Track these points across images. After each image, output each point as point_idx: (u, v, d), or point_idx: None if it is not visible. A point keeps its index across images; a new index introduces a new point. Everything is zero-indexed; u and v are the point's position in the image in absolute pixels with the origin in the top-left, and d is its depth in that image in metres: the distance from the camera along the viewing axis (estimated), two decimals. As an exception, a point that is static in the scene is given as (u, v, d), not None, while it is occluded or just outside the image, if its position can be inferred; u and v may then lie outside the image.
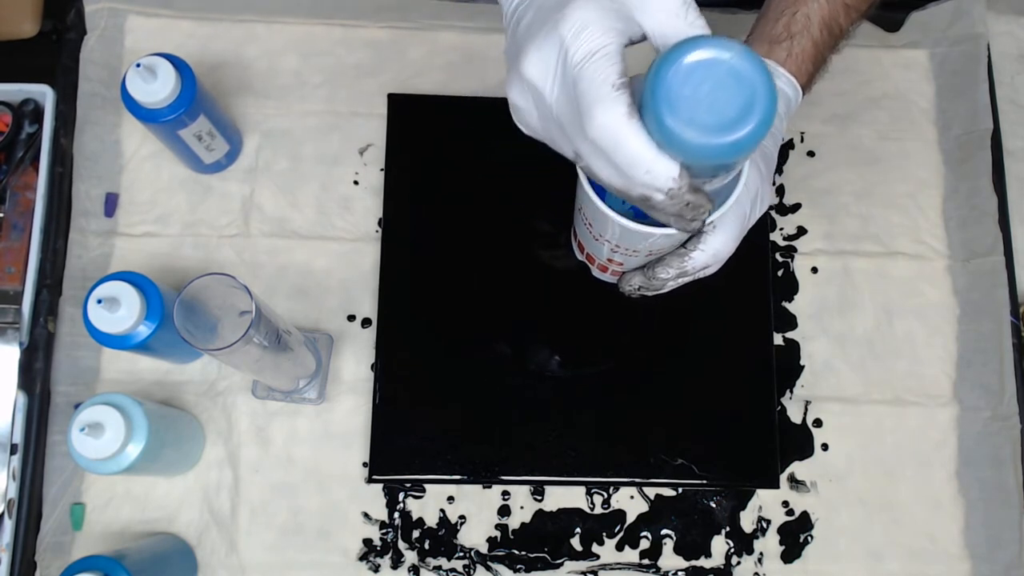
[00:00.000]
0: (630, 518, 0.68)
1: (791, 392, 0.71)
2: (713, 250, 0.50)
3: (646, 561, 0.68)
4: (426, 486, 0.68)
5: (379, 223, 0.73)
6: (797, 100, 0.55)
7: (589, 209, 0.50)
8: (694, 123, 0.38)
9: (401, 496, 0.68)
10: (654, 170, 0.39)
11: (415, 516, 0.68)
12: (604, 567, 0.67)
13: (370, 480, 0.67)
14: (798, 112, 0.76)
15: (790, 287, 0.73)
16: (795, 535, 0.69)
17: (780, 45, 0.54)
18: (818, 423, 0.71)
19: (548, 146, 0.45)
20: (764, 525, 0.69)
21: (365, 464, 0.68)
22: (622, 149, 0.39)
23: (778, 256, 0.74)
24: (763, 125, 0.38)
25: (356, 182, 0.74)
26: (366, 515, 0.68)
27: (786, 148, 0.76)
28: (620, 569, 0.67)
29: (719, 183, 0.44)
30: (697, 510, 0.69)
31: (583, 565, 0.67)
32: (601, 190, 0.47)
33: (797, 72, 0.54)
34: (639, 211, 0.46)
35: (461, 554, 0.67)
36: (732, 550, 0.68)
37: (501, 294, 0.71)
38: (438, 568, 0.67)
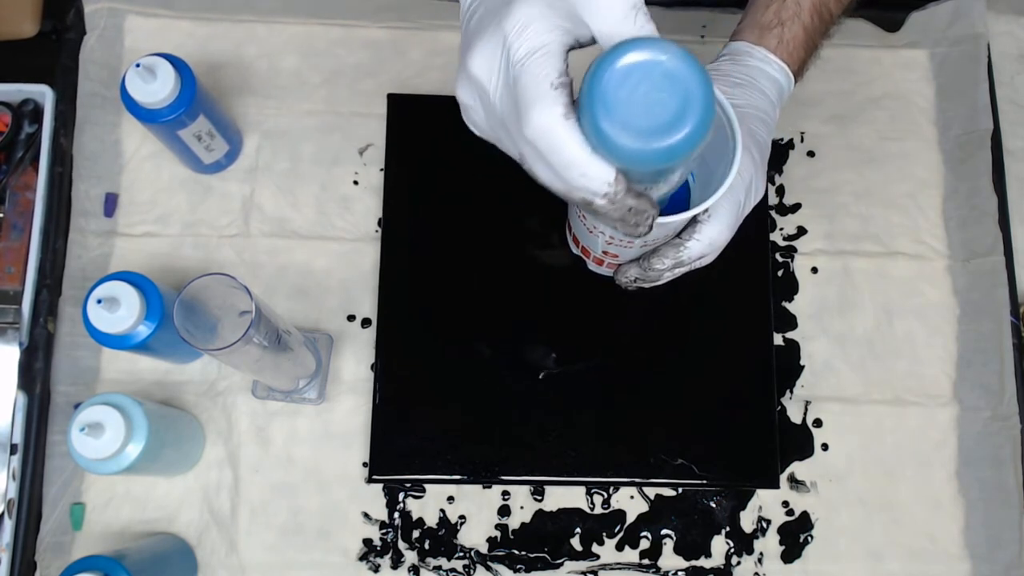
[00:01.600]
0: (630, 518, 0.68)
1: (791, 392, 0.71)
2: (709, 239, 0.50)
3: (646, 561, 0.68)
4: (426, 486, 0.68)
5: (379, 223, 0.73)
6: (789, 88, 0.55)
7: None
8: (628, 127, 0.37)
9: (401, 496, 0.68)
10: (589, 173, 0.39)
11: (415, 516, 0.68)
12: (604, 567, 0.67)
13: (370, 480, 0.67)
14: (798, 112, 0.77)
15: (790, 287, 0.73)
16: (795, 535, 0.69)
17: (770, 32, 0.54)
18: (818, 423, 0.71)
19: (498, 148, 0.45)
20: (764, 525, 0.69)
21: (365, 464, 0.68)
22: (557, 151, 0.39)
23: (778, 256, 0.74)
24: (698, 130, 0.37)
25: (356, 182, 0.74)
26: (366, 515, 0.68)
27: (786, 148, 0.77)
28: (620, 569, 0.67)
29: (667, 187, 0.43)
30: (697, 510, 0.69)
31: (583, 565, 0.67)
32: None
33: (788, 59, 0.53)
34: None
35: (461, 554, 0.67)
36: (732, 550, 0.68)
37: (501, 294, 0.71)
38: (438, 568, 0.67)
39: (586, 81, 0.38)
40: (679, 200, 0.54)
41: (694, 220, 0.50)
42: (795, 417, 0.71)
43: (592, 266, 0.60)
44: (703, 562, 0.68)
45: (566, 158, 0.39)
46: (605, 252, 0.55)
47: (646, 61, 0.37)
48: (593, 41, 0.40)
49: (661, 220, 0.46)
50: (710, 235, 0.50)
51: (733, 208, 0.50)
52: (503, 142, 0.43)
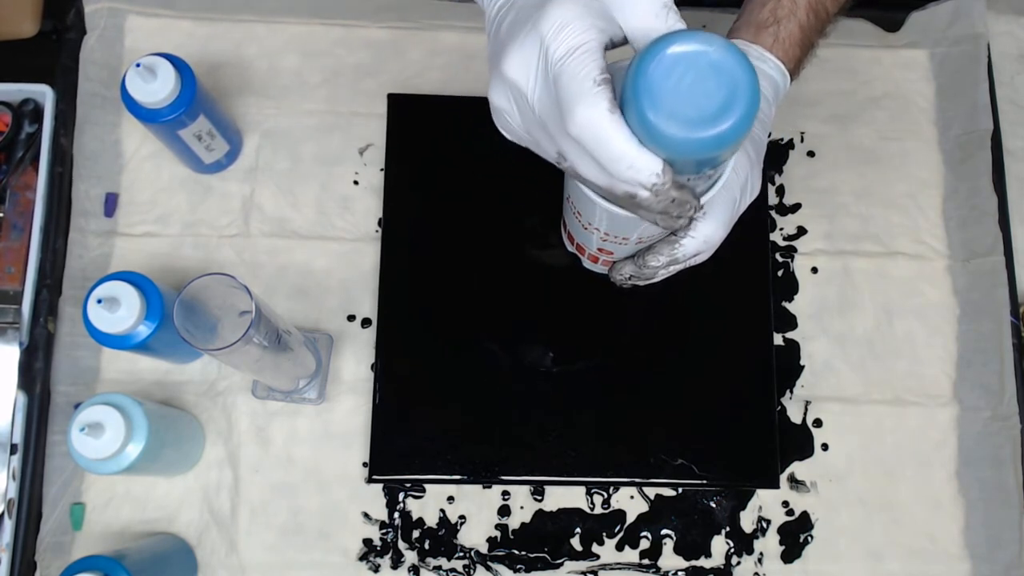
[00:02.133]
0: (630, 518, 0.68)
1: (791, 392, 0.71)
2: (704, 236, 0.50)
3: (646, 561, 0.68)
4: (426, 486, 0.68)
5: (379, 223, 0.73)
6: (785, 85, 0.55)
7: (577, 197, 0.49)
8: (675, 117, 0.37)
9: (401, 496, 0.68)
10: (637, 165, 0.39)
11: (415, 516, 0.68)
12: (604, 567, 0.67)
13: (370, 480, 0.67)
14: (798, 112, 0.77)
15: (790, 287, 0.73)
16: (795, 535, 0.69)
17: (767, 30, 0.54)
18: (818, 423, 0.71)
19: (532, 151, 0.45)
20: (764, 525, 0.69)
21: (365, 464, 0.68)
22: (604, 145, 0.39)
23: (778, 256, 0.74)
24: (745, 119, 0.37)
25: (356, 182, 0.74)
26: (366, 515, 0.68)
27: (786, 148, 0.77)
28: (620, 569, 0.67)
29: (705, 181, 0.43)
30: (697, 510, 0.69)
31: (583, 565, 0.67)
32: None
33: (784, 57, 0.54)
34: None
35: (461, 554, 0.67)
36: (732, 550, 0.68)
37: (501, 294, 0.71)
38: (438, 568, 0.67)
39: (631, 73, 0.38)
40: None
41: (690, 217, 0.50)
42: (795, 417, 0.71)
43: (587, 263, 0.60)
44: (703, 562, 0.68)
45: (614, 152, 0.39)
46: (600, 249, 0.55)
47: (692, 52, 0.37)
48: (625, 41, 0.41)
49: None
50: (705, 232, 0.50)
51: (728, 206, 0.50)
52: (540, 143, 0.44)
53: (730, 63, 0.37)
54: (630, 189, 0.40)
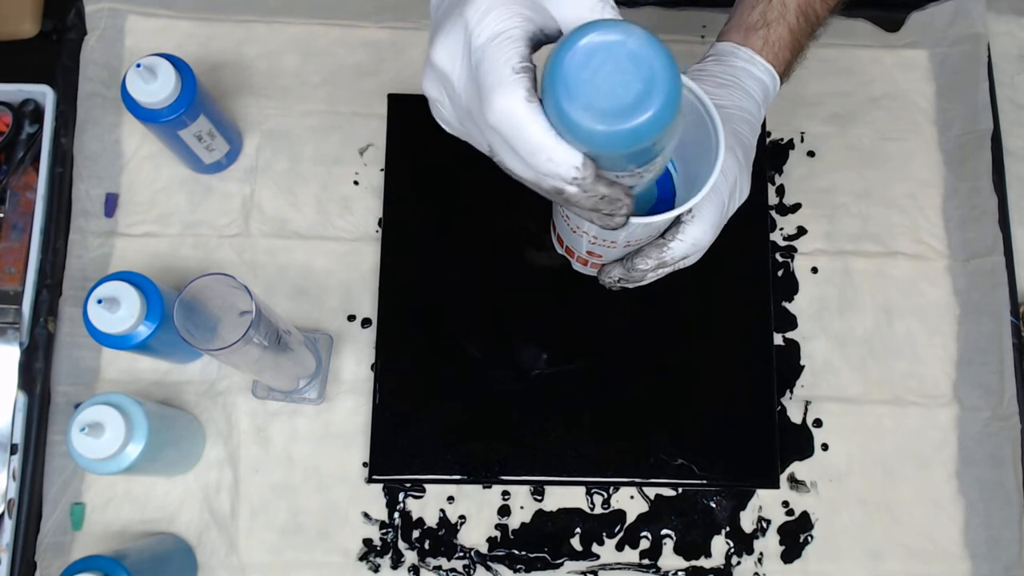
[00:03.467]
0: (630, 518, 0.68)
1: (791, 392, 0.71)
2: (692, 239, 0.50)
3: (646, 561, 0.68)
4: (426, 486, 0.68)
5: (379, 223, 0.73)
6: (775, 88, 0.55)
7: None
8: (591, 109, 0.36)
9: (401, 496, 0.68)
10: (555, 158, 0.38)
11: (415, 516, 0.68)
12: (604, 567, 0.67)
13: (370, 480, 0.67)
14: (798, 112, 0.77)
15: (790, 287, 0.73)
16: (795, 535, 0.69)
17: (756, 33, 0.53)
18: (818, 423, 0.71)
19: (470, 144, 0.44)
20: (764, 525, 0.69)
21: (365, 464, 0.68)
22: (521, 135, 0.38)
23: (778, 256, 0.74)
24: (663, 112, 0.36)
25: (356, 182, 0.74)
26: (366, 515, 0.68)
27: (786, 148, 0.77)
28: (620, 569, 0.67)
29: (636, 178, 0.42)
30: (697, 510, 0.69)
31: (583, 565, 0.67)
32: None
33: (774, 60, 0.53)
34: None
35: (461, 554, 0.67)
36: (732, 550, 0.68)
37: (502, 294, 0.71)
38: (438, 568, 0.67)
39: (548, 63, 0.37)
40: (664, 201, 0.54)
41: (678, 220, 0.50)
42: (795, 417, 0.71)
43: (577, 266, 0.60)
44: (703, 562, 0.68)
45: (531, 143, 0.38)
46: (589, 252, 0.55)
47: (609, 42, 0.36)
48: (560, 34, 0.40)
49: (644, 220, 0.46)
50: (694, 235, 0.49)
51: (717, 208, 0.49)
52: (472, 135, 0.43)
53: (648, 54, 0.36)
54: (556, 184, 0.39)
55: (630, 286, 0.55)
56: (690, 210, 0.49)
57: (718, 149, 0.46)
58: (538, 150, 0.38)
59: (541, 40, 0.40)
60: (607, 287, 0.56)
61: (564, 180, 0.38)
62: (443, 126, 0.45)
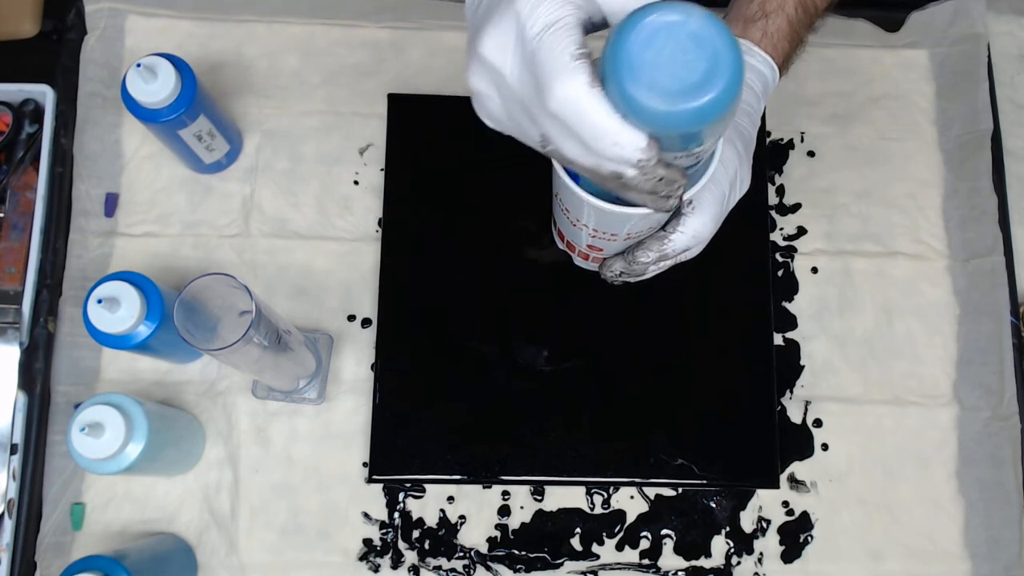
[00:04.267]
0: (630, 518, 0.68)
1: (791, 392, 0.71)
2: (693, 231, 0.50)
3: (646, 561, 0.68)
4: (426, 486, 0.68)
5: (379, 223, 0.73)
6: (774, 80, 0.55)
7: (565, 194, 0.49)
8: (656, 88, 0.36)
9: (401, 496, 0.68)
10: (621, 141, 0.38)
11: (415, 516, 0.68)
12: (604, 567, 0.67)
13: (370, 480, 0.67)
14: (798, 112, 0.77)
15: (790, 287, 0.73)
16: (795, 535, 0.69)
17: (755, 24, 0.53)
18: (818, 423, 0.71)
19: (518, 141, 0.44)
20: (764, 525, 0.69)
21: (365, 464, 0.68)
22: (586, 121, 0.38)
23: (778, 256, 0.74)
24: (728, 90, 0.36)
25: (356, 182, 0.74)
26: (366, 515, 0.68)
27: (786, 148, 0.77)
28: (620, 569, 0.67)
29: (691, 159, 0.42)
30: (697, 510, 0.69)
31: (583, 565, 0.67)
32: (575, 174, 0.46)
33: (773, 52, 0.53)
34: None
35: (461, 554, 0.67)
36: (732, 550, 0.68)
37: (502, 294, 0.71)
38: (438, 568, 0.67)
39: (609, 46, 0.37)
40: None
41: (678, 212, 0.50)
42: (795, 417, 0.71)
43: (578, 261, 0.60)
44: (703, 562, 0.68)
45: (596, 128, 0.38)
46: (590, 246, 0.55)
47: (671, 22, 0.36)
48: (605, 24, 0.40)
49: (645, 210, 0.46)
50: (694, 227, 0.50)
51: (717, 200, 0.50)
52: (522, 127, 0.43)
53: (710, 33, 0.36)
54: (616, 168, 0.39)
55: (632, 280, 0.55)
56: (691, 202, 0.49)
57: (717, 141, 0.46)
58: (603, 134, 0.38)
59: (589, 28, 0.40)
60: (608, 281, 0.56)
61: (628, 163, 0.39)
62: (487, 122, 0.45)
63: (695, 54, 0.36)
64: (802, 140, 0.77)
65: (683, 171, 0.41)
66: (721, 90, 0.36)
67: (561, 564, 0.67)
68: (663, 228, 0.51)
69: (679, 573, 0.68)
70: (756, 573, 0.68)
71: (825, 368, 0.72)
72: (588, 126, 0.38)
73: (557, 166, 0.47)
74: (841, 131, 0.77)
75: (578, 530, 0.68)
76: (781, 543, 0.69)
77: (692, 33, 0.36)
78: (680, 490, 0.69)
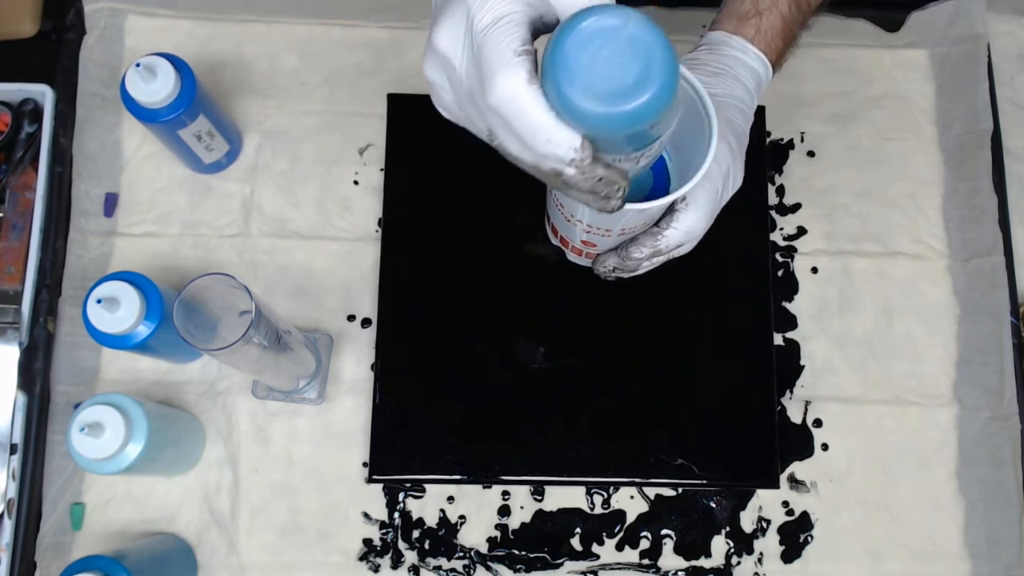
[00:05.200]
0: (630, 518, 0.68)
1: (791, 392, 0.71)
2: (686, 227, 0.50)
3: (646, 561, 0.68)
4: (426, 486, 0.68)
5: (379, 223, 0.73)
6: (767, 76, 0.55)
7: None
8: (590, 91, 0.37)
9: (401, 496, 0.68)
10: (555, 139, 0.38)
11: (415, 516, 0.68)
12: (604, 567, 0.67)
13: (370, 480, 0.67)
14: (798, 112, 0.77)
15: (790, 287, 0.73)
16: (795, 535, 0.69)
17: (748, 22, 0.54)
18: (818, 423, 0.71)
19: (469, 130, 0.44)
20: (764, 525, 0.69)
21: (365, 464, 0.68)
22: (522, 117, 0.38)
23: (778, 256, 0.74)
24: (661, 95, 0.37)
25: (356, 182, 0.74)
26: (366, 515, 0.68)
27: (786, 148, 0.76)
28: (620, 569, 0.67)
29: (633, 162, 0.42)
30: (697, 510, 0.69)
31: (583, 565, 0.67)
32: None
33: (766, 49, 0.53)
34: None
35: (461, 554, 0.67)
36: (732, 550, 0.68)
37: (502, 294, 0.71)
38: (438, 568, 0.67)
39: (548, 46, 0.37)
40: (658, 189, 0.54)
41: (672, 208, 0.51)
42: (795, 417, 0.71)
43: (571, 256, 0.60)
44: (703, 562, 0.68)
45: (531, 124, 0.38)
46: (584, 242, 0.55)
47: (608, 26, 0.37)
48: (557, 23, 0.40)
49: (639, 207, 0.46)
50: (687, 223, 0.50)
51: (711, 196, 0.50)
52: (472, 120, 0.43)
53: (646, 38, 0.37)
54: (555, 166, 0.39)
55: (625, 276, 0.55)
56: (684, 197, 0.49)
57: (711, 137, 0.47)
58: (538, 131, 0.38)
59: (540, 27, 0.41)
60: (602, 277, 0.56)
61: (563, 161, 0.39)
62: (442, 111, 0.45)
63: (630, 57, 0.36)
64: (802, 140, 0.77)
65: (624, 172, 0.41)
66: (653, 94, 0.36)
67: (561, 564, 0.67)
68: (657, 224, 0.51)
69: (679, 573, 0.68)
70: (756, 573, 0.68)
71: (825, 368, 0.72)
72: (524, 122, 0.38)
73: None
74: (841, 131, 0.77)
75: (578, 530, 0.68)
76: (781, 543, 0.69)
77: (629, 37, 0.37)
78: (680, 490, 0.69)
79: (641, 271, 0.54)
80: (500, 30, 0.38)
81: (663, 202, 0.48)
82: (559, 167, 0.39)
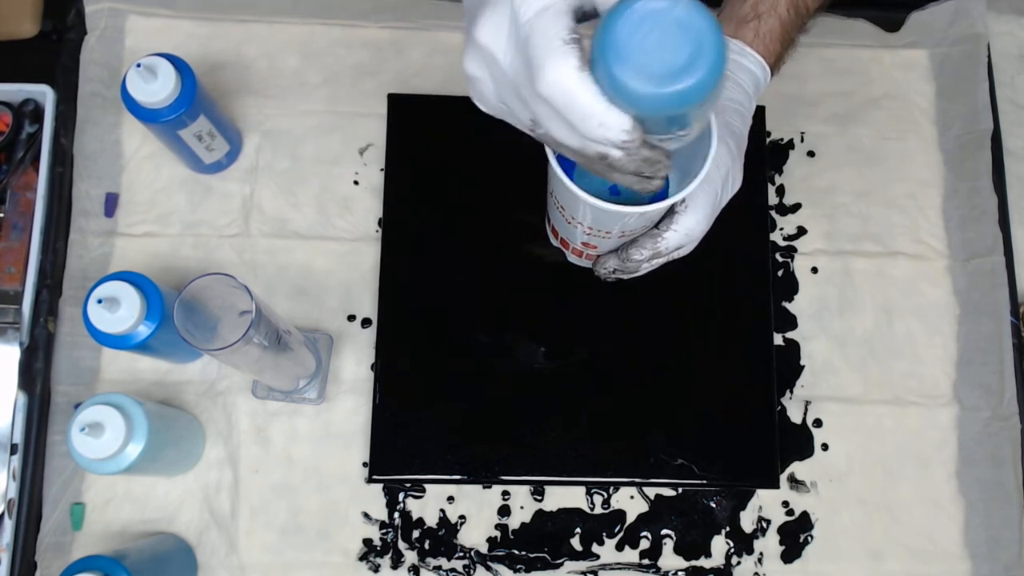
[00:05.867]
0: (630, 518, 0.68)
1: (791, 392, 0.71)
2: (686, 229, 0.50)
3: (646, 561, 0.68)
4: (426, 486, 0.68)
5: (379, 223, 0.73)
6: (765, 80, 0.55)
7: (561, 192, 0.50)
8: (642, 72, 0.37)
9: (401, 496, 0.68)
10: (607, 123, 0.39)
11: (415, 516, 0.68)
12: (604, 567, 0.67)
13: (370, 480, 0.67)
14: (798, 112, 0.77)
15: (790, 287, 0.73)
16: (795, 535, 0.69)
17: (747, 25, 0.54)
18: (818, 423, 0.71)
19: (511, 127, 0.44)
20: (764, 525, 0.69)
21: (365, 464, 0.68)
22: (573, 103, 0.39)
23: (778, 256, 0.74)
24: (711, 74, 0.37)
25: (356, 182, 0.74)
26: (366, 515, 0.68)
27: (786, 148, 0.77)
28: (620, 569, 0.67)
29: (675, 142, 0.43)
30: (697, 510, 0.69)
31: (583, 565, 0.67)
32: (571, 171, 0.47)
33: (765, 52, 0.54)
34: (612, 190, 0.45)
35: (461, 554, 0.67)
36: (732, 550, 0.68)
37: (502, 294, 0.71)
38: (438, 568, 0.67)
39: (598, 31, 0.38)
40: (658, 192, 0.54)
41: (671, 211, 0.51)
42: (795, 417, 0.71)
43: (572, 258, 0.61)
44: (703, 562, 0.68)
45: (583, 110, 0.39)
46: (584, 244, 0.55)
47: (658, 9, 0.37)
48: (595, 14, 0.41)
49: (639, 209, 0.47)
50: (687, 225, 0.50)
51: (710, 199, 0.50)
52: (513, 110, 0.43)
53: (695, 19, 0.37)
54: (602, 149, 0.40)
55: (625, 277, 0.55)
56: (684, 200, 0.49)
57: (711, 140, 0.47)
58: (590, 116, 0.39)
59: (580, 17, 0.41)
60: (602, 278, 0.56)
61: (613, 144, 0.40)
62: (480, 106, 0.45)
63: (680, 39, 0.37)
64: (802, 140, 0.77)
65: (667, 152, 0.42)
66: (704, 74, 0.37)
67: (561, 564, 0.67)
68: (656, 226, 0.51)
69: (679, 573, 0.68)
70: (756, 573, 0.68)
71: (825, 368, 0.72)
72: (576, 108, 0.39)
73: (553, 163, 0.47)
74: (841, 131, 0.77)
75: (578, 530, 0.68)
76: (781, 543, 0.69)
77: (678, 19, 0.37)
78: (680, 490, 0.69)
79: (641, 272, 0.54)
80: (546, 20, 0.39)
81: (663, 205, 0.48)
82: (606, 150, 0.40)
